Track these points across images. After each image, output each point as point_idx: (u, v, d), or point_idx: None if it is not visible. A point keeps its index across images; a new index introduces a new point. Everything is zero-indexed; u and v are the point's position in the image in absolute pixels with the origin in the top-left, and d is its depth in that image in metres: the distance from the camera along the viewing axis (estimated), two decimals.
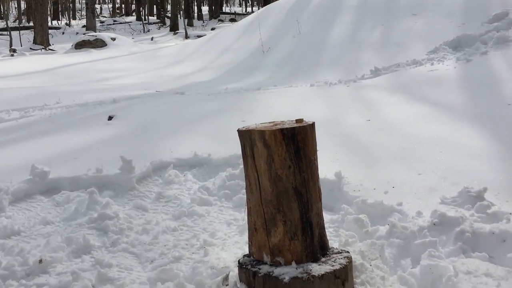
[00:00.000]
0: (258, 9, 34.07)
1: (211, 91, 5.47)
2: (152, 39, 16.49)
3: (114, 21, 27.73)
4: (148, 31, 20.72)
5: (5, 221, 2.00)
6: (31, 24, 19.15)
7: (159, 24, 24.53)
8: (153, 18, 30.00)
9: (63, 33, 20.15)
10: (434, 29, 7.14)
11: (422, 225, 1.84)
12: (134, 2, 36.03)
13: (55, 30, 20.43)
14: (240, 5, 57.54)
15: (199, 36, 16.79)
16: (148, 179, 2.58)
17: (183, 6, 23.75)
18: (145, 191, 2.45)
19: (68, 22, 27.59)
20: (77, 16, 35.03)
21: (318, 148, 2.94)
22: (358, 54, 7.22)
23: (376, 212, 2.03)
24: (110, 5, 41.73)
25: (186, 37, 16.76)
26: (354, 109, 4.06)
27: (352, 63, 6.91)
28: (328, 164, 2.62)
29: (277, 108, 4.12)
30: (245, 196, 2.39)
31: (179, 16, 19.76)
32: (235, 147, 2.96)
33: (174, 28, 18.92)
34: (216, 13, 29.54)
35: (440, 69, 5.24)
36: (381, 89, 4.84)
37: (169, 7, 38.77)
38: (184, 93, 5.30)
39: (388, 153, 2.78)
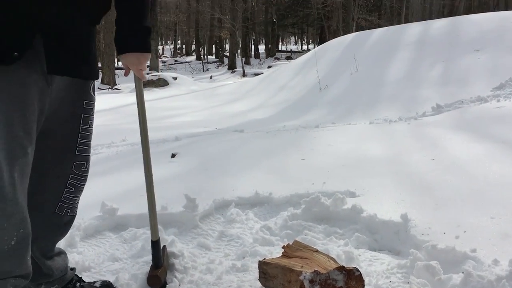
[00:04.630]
0: (314, 47, 34.47)
1: (269, 129, 5.53)
2: (211, 77, 17.04)
3: (175, 61, 29.01)
4: (207, 70, 21.46)
5: (77, 257, 2.08)
6: (100, 65, 20.43)
7: (218, 63, 25.35)
8: (212, 58, 31.11)
9: None
10: (498, 64, 6.91)
11: (499, 274, 1.73)
12: (194, 42, 37.58)
13: (121, 71, 21.62)
14: (296, 43, 58.50)
15: (256, 74, 17.17)
16: (210, 217, 2.61)
17: (240, 45, 24.47)
18: (208, 229, 2.47)
19: None
20: None
21: (381, 187, 2.89)
22: (418, 91, 7.09)
23: (448, 258, 1.92)
24: (172, 46, 43.75)
25: (244, 75, 17.18)
26: (416, 147, 3.95)
27: (412, 100, 6.78)
28: (392, 205, 2.55)
29: (336, 146, 4.08)
30: (307, 236, 2.37)
31: (236, 55, 20.33)
32: (295, 186, 2.95)
33: (232, 67, 19.49)
34: (272, 52, 30.17)
35: (507, 106, 5.03)
36: (445, 127, 4.69)
37: (227, 47, 40.10)
38: (243, 130, 5.39)
39: (456, 194, 2.66)
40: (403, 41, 9.28)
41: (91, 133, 1.64)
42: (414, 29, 9.92)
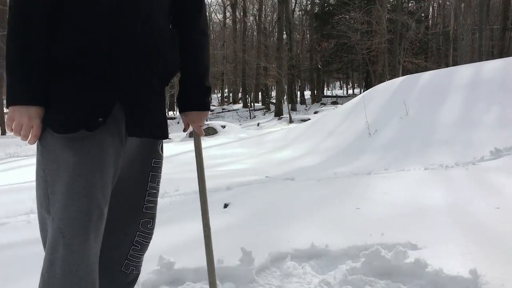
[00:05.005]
0: (360, 91, 34.46)
1: (320, 176, 5.46)
2: (258, 124, 17.27)
3: (223, 109, 29.74)
4: (254, 117, 21.81)
5: None
6: None
7: (264, 110, 25.73)
8: (258, 105, 31.66)
9: (178, 122, 21.96)
10: None
11: None
12: (240, 91, 38.49)
13: (171, 120, 22.38)
14: (341, 87, 58.68)
15: (303, 120, 17.26)
16: (266, 270, 2.55)
17: (286, 91, 24.82)
18: (264, 283, 2.42)
19: None
20: None
21: (444, 239, 2.74)
22: (473, 134, 6.85)
23: None
24: (219, 95, 44.98)
25: (290, 121, 17.29)
26: (478, 195, 3.77)
27: (467, 144, 6.55)
28: (459, 259, 2.41)
29: (393, 195, 3.96)
30: None
31: (282, 101, 20.60)
32: (352, 238, 2.86)
33: (278, 114, 19.71)
34: (318, 98, 30.38)
35: None
36: (507, 172, 4.47)
37: (273, 93, 40.80)
38: (294, 179, 5.35)
39: None
40: (454, 83, 9.09)
41: (158, 190, 1.69)
42: (465, 71, 9.72)
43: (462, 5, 30.92)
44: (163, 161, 1.71)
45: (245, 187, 5.01)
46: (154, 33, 1.53)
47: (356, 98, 12.22)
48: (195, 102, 1.71)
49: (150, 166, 1.63)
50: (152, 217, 1.67)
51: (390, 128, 8.56)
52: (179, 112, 1.77)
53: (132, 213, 1.62)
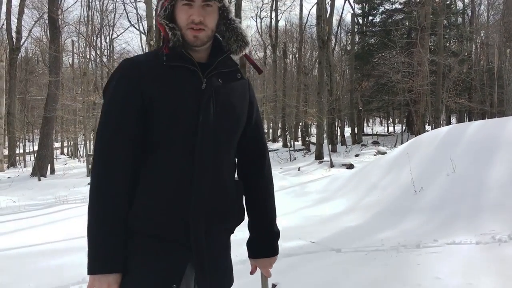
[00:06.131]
0: (401, 128, 33.95)
1: (366, 246, 5.40)
2: (299, 169, 17.27)
3: None
4: (295, 159, 21.83)
5: None
6: None
7: (305, 151, 25.74)
8: (298, 143, 31.73)
9: None
10: None
11: None
12: (280, 129, 38.74)
13: None
14: (381, 124, 58.03)
15: (343, 165, 17.14)
16: None
17: (326, 133, 24.81)
18: None
19: None
20: None
21: None
22: None
23: None
24: None
25: (331, 165, 17.22)
26: None
27: None
28: None
29: (446, 280, 3.87)
30: None
31: (323, 145, 20.59)
32: None
33: (319, 157, 19.66)
34: (359, 139, 30.19)
35: None
36: None
37: (312, 130, 40.82)
38: (340, 250, 5.31)
39: None
40: (502, 139, 8.80)
41: None
42: None
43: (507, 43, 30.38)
44: None
45: (292, 260, 5.01)
46: (222, 192, 1.63)
47: (399, 148, 12.07)
48: (265, 249, 1.79)
49: None
50: None
51: (436, 185, 8.36)
52: (249, 257, 1.84)
53: None
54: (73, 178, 20.36)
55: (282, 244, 6.05)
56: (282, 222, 8.12)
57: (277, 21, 36.57)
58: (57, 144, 35.00)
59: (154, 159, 1.57)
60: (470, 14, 38.50)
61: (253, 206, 1.77)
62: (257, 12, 77.61)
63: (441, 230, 6.21)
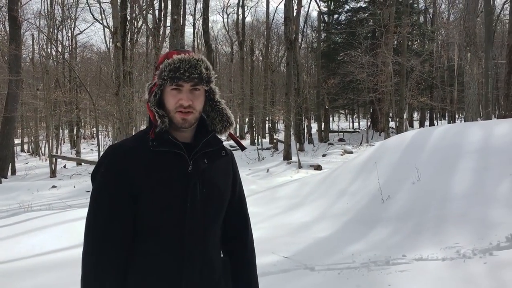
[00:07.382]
0: (366, 124, 34.60)
1: (339, 263, 5.56)
2: (267, 170, 17.42)
3: (231, 146, 29.92)
4: (263, 158, 21.96)
5: None
6: None
7: (273, 150, 25.94)
8: (265, 140, 31.90)
9: None
10: None
11: None
12: (247, 126, 38.79)
13: None
14: (346, 119, 58.98)
15: (311, 166, 17.40)
16: None
17: (293, 131, 25.06)
18: None
19: None
20: None
21: None
22: (487, 210, 6.91)
23: None
24: None
25: (300, 166, 17.46)
26: None
27: (482, 222, 6.61)
28: None
29: None
30: None
31: (290, 145, 20.82)
32: None
33: (287, 158, 19.88)
34: (326, 137, 30.65)
35: None
36: None
37: (279, 125, 40.97)
38: (313, 268, 5.45)
39: None
40: (464, 148, 9.15)
41: None
42: (475, 132, 9.79)
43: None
44: None
45: (268, 279, 5.11)
46: (210, 271, 1.71)
47: (366, 153, 12.35)
48: None
49: None
50: None
51: (403, 193, 8.63)
52: None
53: None
54: (35, 179, 19.82)
55: (257, 259, 6.12)
56: (255, 233, 8.23)
57: (243, 17, 36.49)
58: (16, 141, 33.76)
59: (142, 248, 1.62)
60: (432, 13, 39.60)
61: (239, 277, 1.85)
62: (224, 8, 77.21)
63: (408, 243, 6.45)
